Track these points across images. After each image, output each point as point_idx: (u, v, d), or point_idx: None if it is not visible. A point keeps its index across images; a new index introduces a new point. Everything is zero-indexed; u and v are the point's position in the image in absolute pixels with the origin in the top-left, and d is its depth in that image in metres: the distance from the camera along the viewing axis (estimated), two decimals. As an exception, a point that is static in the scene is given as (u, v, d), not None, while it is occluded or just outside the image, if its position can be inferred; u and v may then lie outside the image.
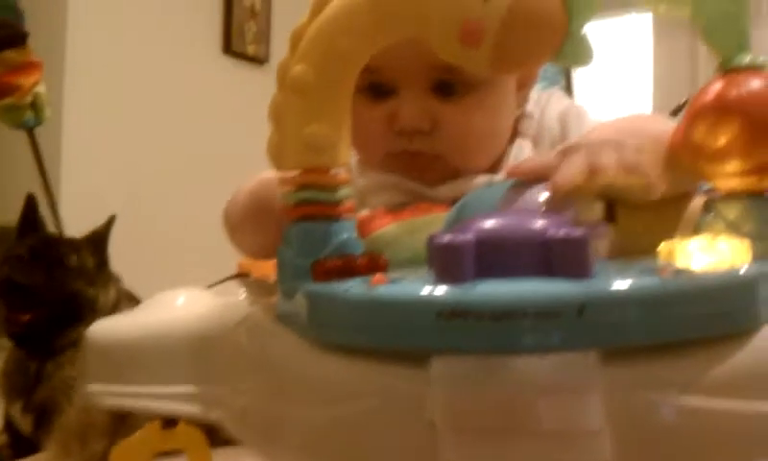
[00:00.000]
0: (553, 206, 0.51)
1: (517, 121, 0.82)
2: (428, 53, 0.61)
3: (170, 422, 0.71)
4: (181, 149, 2.83)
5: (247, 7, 3.18)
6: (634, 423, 0.42)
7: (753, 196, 0.50)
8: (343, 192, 0.55)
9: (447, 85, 0.74)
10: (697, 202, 0.59)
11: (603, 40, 4.65)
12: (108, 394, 0.60)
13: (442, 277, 0.44)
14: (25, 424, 1.51)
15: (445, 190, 0.72)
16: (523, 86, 0.80)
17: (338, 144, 0.54)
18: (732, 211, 0.50)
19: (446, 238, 0.45)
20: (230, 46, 3.11)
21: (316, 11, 0.54)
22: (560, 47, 0.51)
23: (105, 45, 2.62)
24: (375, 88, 0.75)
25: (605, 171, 0.52)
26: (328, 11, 0.53)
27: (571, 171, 0.51)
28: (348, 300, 0.46)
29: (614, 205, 0.59)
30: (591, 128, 0.69)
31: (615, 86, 4.64)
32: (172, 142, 2.80)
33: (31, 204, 1.59)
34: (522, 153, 0.78)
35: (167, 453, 0.74)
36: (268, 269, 0.70)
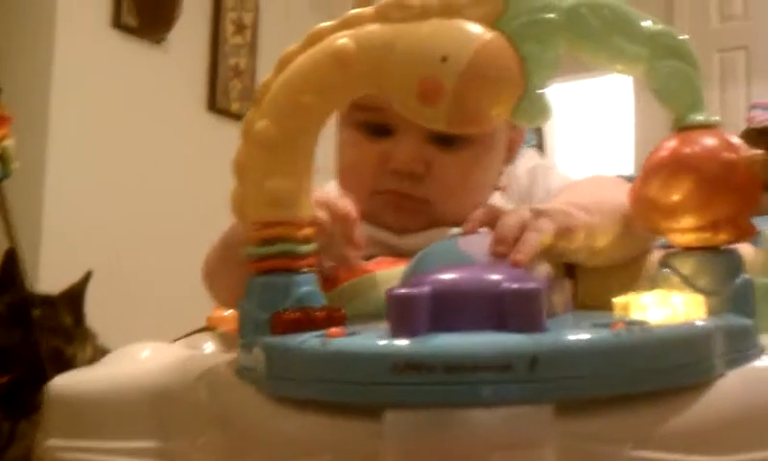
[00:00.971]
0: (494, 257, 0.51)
1: None
2: None
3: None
4: (165, 205, 2.83)
5: (231, 65, 3.22)
6: (587, 476, 0.42)
7: (707, 251, 0.51)
8: (304, 246, 0.55)
9: (446, 136, 0.75)
10: (654, 257, 0.60)
11: (584, 99, 4.72)
12: (67, 449, 0.59)
13: (397, 329, 0.44)
14: (-2, 484, 1.48)
15: (415, 241, 0.73)
16: (510, 148, 0.82)
17: (299, 198, 0.55)
18: (686, 266, 0.51)
19: (402, 291, 0.45)
20: (215, 104, 3.13)
21: (281, 67, 0.55)
22: (517, 106, 0.52)
23: (90, 101, 2.63)
24: (373, 127, 0.77)
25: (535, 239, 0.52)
26: (293, 67, 0.54)
27: (503, 232, 0.52)
28: (303, 353, 0.46)
29: (573, 264, 0.60)
30: (556, 191, 0.70)
31: (598, 143, 4.69)
32: (156, 198, 2.81)
33: (10, 259, 1.58)
34: (494, 203, 0.80)
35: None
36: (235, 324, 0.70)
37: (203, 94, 3.12)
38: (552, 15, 0.51)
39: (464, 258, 0.51)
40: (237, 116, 3.18)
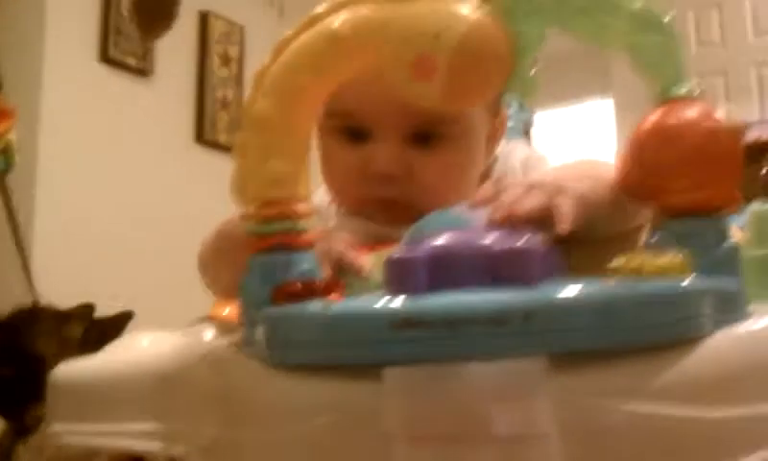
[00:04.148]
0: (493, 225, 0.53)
1: (488, 166, 0.86)
2: (406, 102, 0.63)
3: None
4: (154, 235, 2.84)
5: (218, 97, 3.25)
6: (582, 427, 0.44)
7: (694, 216, 0.53)
8: (303, 223, 0.56)
9: (423, 136, 0.76)
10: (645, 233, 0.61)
11: (568, 126, 4.79)
12: (71, 433, 0.60)
13: (395, 290, 0.46)
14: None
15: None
16: (493, 139, 0.84)
17: (298, 177, 0.56)
18: (674, 233, 0.53)
19: (399, 253, 0.47)
20: (203, 135, 3.16)
21: (278, 52, 0.57)
22: (507, 81, 0.53)
23: (78, 134, 2.65)
24: (351, 132, 0.77)
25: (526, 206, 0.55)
26: (290, 49, 0.56)
27: (502, 201, 0.55)
28: (304, 317, 0.48)
29: (567, 240, 0.61)
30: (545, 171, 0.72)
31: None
32: (145, 228, 2.82)
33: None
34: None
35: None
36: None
37: (190, 126, 3.15)
38: (539, -6, 0.54)
39: (460, 223, 0.52)
40: (225, 147, 3.21)
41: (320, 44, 0.55)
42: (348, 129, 0.77)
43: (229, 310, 0.85)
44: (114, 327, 1.62)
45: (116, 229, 2.72)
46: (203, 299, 1.16)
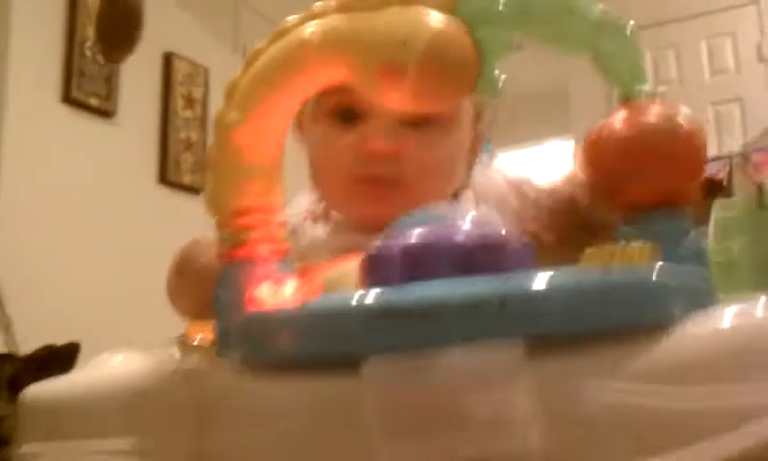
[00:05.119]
0: None
1: (467, 183, 0.90)
2: None
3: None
4: (118, 277, 2.81)
5: (183, 139, 3.25)
6: (560, 409, 0.44)
7: (659, 211, 0.54)
8: (277, 232, 0.57)
9: (415, 119, 0.79)
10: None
11: (528, 167, 4.86)
12: (42, 454, 0.59)
13: (370, 284, 0.46)
14: None
15: None
16: (473, 150, 0.88)
17: (272, 186, 0.57)
18: (641, 227, 0.54)
19: (373, 248, 0.47)
20: (167, 176, 3.15)
21: (249, 64, 0.58)
22: (474, 84, 0.55)
23: (40, 175, 2.63)
24: (343, 114, 0.80)
25: None
26: (261, 60, 0.57)
27: None
28: (281, 315, 0.48)
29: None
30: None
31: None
32: (108, 270, 2.79)
33: None
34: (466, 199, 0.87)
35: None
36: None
37: (154, 167, 3.14)
38: (503, 1, 0.55)
39: (437, 220, 0.53)
40: (189, 188, 3.20)
41: (290, 53, 0.56)
42: (342, 111, 0.79)
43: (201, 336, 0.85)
44: (63, 358, 1.59)
45: (79, 269, 2.68)
46: (168, 336, 1.15)
